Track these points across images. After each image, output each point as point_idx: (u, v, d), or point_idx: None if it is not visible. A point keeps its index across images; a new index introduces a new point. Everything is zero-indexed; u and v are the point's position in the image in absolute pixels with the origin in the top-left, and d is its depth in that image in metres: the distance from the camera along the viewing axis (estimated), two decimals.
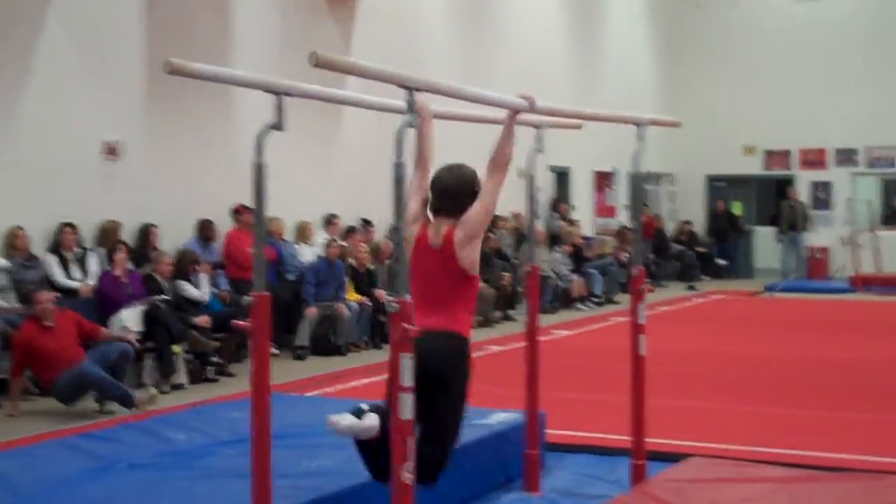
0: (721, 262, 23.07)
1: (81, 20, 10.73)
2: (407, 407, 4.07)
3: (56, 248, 10.30)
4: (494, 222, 16.68)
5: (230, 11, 12.59)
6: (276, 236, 12.43)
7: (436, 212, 4.99)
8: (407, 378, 4.07)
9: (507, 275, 15.80)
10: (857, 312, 17.20)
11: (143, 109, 11.41)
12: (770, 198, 24.28)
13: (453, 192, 4.95)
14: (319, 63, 3.84)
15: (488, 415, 6.63)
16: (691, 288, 20.75)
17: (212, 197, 11.99)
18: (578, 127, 6.61)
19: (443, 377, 4.67)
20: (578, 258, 17.95)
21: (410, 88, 4.26)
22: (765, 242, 23.74)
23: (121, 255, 10.28)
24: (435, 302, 4.81)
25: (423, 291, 4.76)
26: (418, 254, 4.89)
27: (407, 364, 4.08)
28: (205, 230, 11.86)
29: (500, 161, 4.97)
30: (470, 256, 4.87)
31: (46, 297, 8.81)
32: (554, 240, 17.93)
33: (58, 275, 10.16)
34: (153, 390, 9.11)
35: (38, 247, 10.24)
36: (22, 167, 10.11)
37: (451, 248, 4.84)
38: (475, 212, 4.86)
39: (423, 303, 4.72)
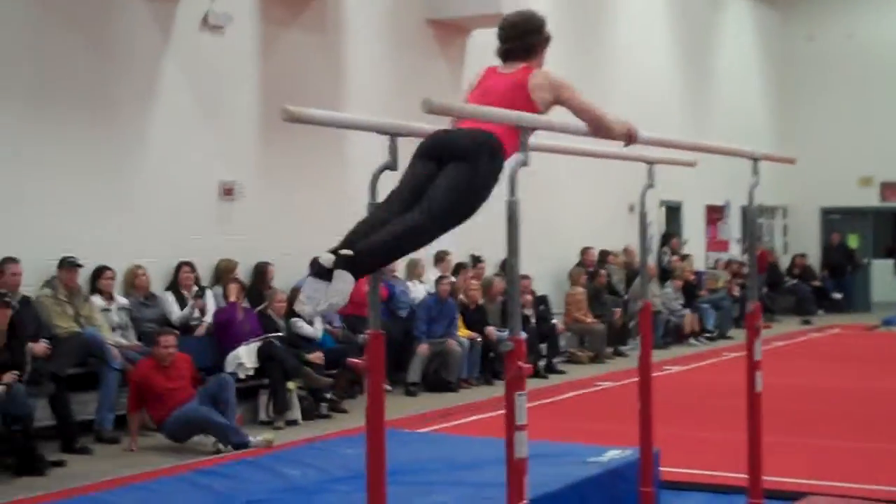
0: (837, 295, 22.60)
1: (198, 63, 11.02)
2: (522, 446, 4.07)
3: (174, 286, 10.53)
4: (604, 257, 16.62)
5: (342, 56, 12.79)
6: (389, 274, 12.53)
7: (504, 56, 4.80)
8: (521, 416, 4.07)
9: (618, 310, 15.71)
10: None
11: (258, 151, 11.64)
12: (887, 230, 23.77)
13: (520, 28, 4.77)
14: (433, 109, 3.85)
15: (602, 452, 6.57)
16: (806, 322, 20.38)
17: (325, 235, 12.06)
18: (693, 164, 6.56)
19: (463, 151, 4.34)
20: (690, 293, 17.75)
21: (524, 128, 4.29)
22: (882, 275, 23.24)
23: (236, 291, 10.47)
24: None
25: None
26: (480, 84, 4.67)
27: (521, 403, 4.08)
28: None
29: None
30: (543, 97, 4.54)
31: (170, 340, 8.99)
32: (665, 274, 17.77)
33: (175, 313, 10.38)
34: (270, 435, 9.02)
35: (157, 285, 10.49)
36: (142, 208, 10.40)
37: (525, 78, 4.58)
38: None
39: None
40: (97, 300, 9.70)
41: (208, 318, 10.49)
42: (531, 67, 4.70)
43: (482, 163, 4.32)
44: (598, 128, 4.66)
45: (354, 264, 4.09)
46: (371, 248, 4.14)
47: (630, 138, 4.80)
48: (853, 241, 24.03)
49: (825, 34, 24.30)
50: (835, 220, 24.47)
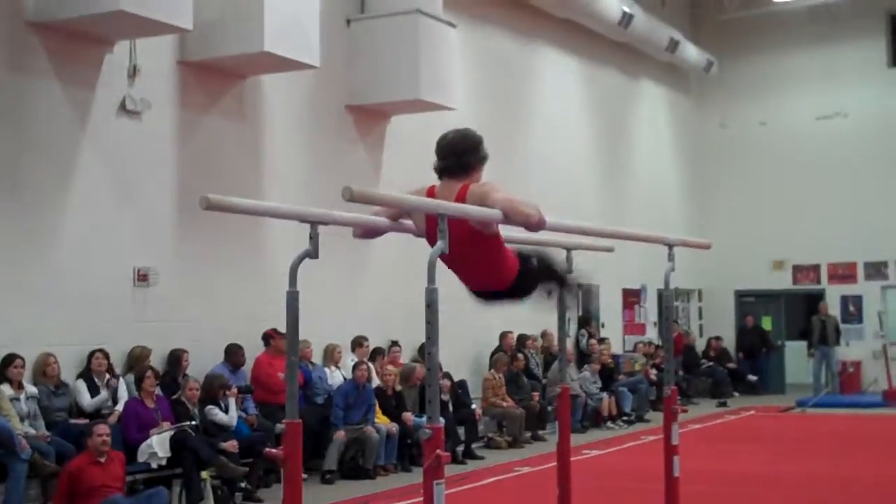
0: (752, 377, 22.83)
1: (116, 148, 10.94)
2: None
3: (86, 374, 10.33)
4: (522, 341, 16.65)
5: (261, 141, 12.79)
6: (305, 359, 12.42)
7: (440, 173, 4.92)
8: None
9: (535, 394, 15.72)
10: (891, 426, 16.96)
11: (174, 236, 11.55)
12: (800, 312, 24.17)
13: (457, 147, 4.88)
14: (354, 198, 3.87)
15: None
16: (723, 405, 20.54)
17: (241, 321, 12.05)
18: (611, 250, 6.64)
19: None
20: (608, 376, 17.84)
21: (443, 215, 4.31)
22: (796, 357, 23.57)
23: (149, 382, 10.30)
24: (471, 272, 4.97)
25: (455, 264, 4.86)
26: (430, 229, 4.85)
27: (440, 492, 4.05)
28: (233, 355, 11.86)
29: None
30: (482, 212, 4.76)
31: (103, 429, 8.79)
32: (583, 358, 17.85)
33: (86, 402, 10.17)
34: None
35: (69, 373, 10.29)
36: (55, 294, 10.23)
37: (466, 223, 4.77)
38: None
39: (462, 270, 4.96)
40: (6, 389, 9.46)
41: (120, 406, 10.29)
42: (466, 187, 4.77)
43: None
44: (511, 212, 4.71)
45: None
46: None
47: (538, 225, 4.85)
48: (767, 324, 24.39)
49: (738, 122, 24.88)
50: (749, 302, 24.83)
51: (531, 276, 5.00)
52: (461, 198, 4.76)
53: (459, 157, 4.88)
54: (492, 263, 4.87)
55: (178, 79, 11.71)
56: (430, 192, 4.88)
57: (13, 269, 9.90)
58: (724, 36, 24.68)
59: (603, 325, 20.00)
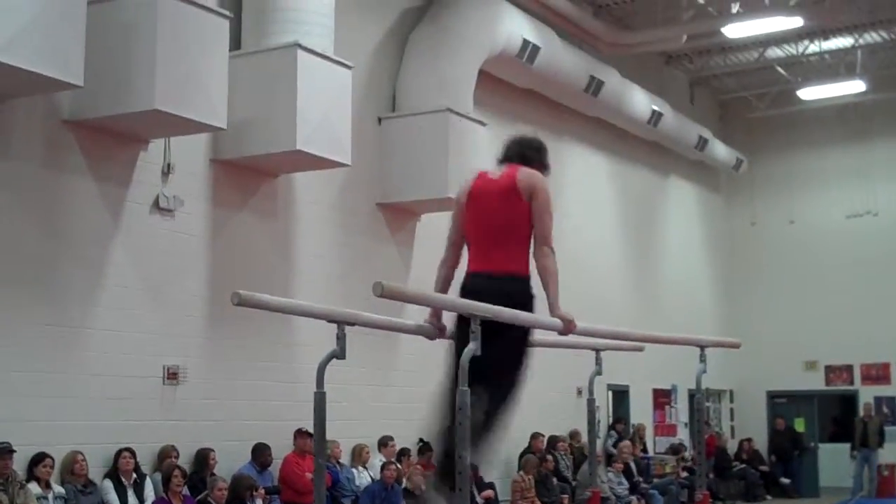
0: (785, 480, 22.46)
1: (147, 246, 10.98)
2: None
3: (114, 473, 10.25)
4: (553, 443, 16.47)
5: (291, 239, 12.84)
6: (333, 460, 12.31)
7: (501, 162, 5.20)
8: None
9: (565, 497, 15.50)
10: None
11: (204, 334, 11.53)
12: (833, 414, 23.83)
13: (520, 141, 5.19)
14: (385, 293, 3.86)
15: None
16: None
17: (269, 420, 11.96)
18: (641, 350, 6.59)
19: (505, 326, 4.71)
20: (635, 476, 17.54)
21: (476, 317, 4.28)
22: (830, 460, 23.18)
23: (176, 481, 10.22)
24: (491, 243, 4.93)
25: (479, 236, 4.79)
26: (473, 200, 5.04)
27: None
28: (260, 454, 11.75)
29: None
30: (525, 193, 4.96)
31: None
32: (612, 460, 17.61)
33: (114, 501, 10.08)
34: None
35: (97, 472, 10.21)
36: (83, 392, 10.18)
37: (513, 182, 4.97)
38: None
39: (479, 245, 4.91)
40: (33, 488, 9.40)
41: None
42: (517, 168, 5.09)
43: (514, 331, 4.83)
44: (552, 306, 4.90)
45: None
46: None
47: (568, 330, 5.00)
48: (800, 425, 24.03)
49: (767, 220, 24.82)
50: (781, 403, 24.51)
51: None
52: (511, 181, 4.99)
53: (522, 148, 5.18)
54: (518, 239, 4.97)
55: (210, 177, 11.80)
56: (478, 179, 5.13)
57: (42, 366, 9.88)
58: (754, 134, 24.74)
59: (633, 427, 19.72)
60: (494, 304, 4.57)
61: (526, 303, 4.88)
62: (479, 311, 4.39)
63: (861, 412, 21.90)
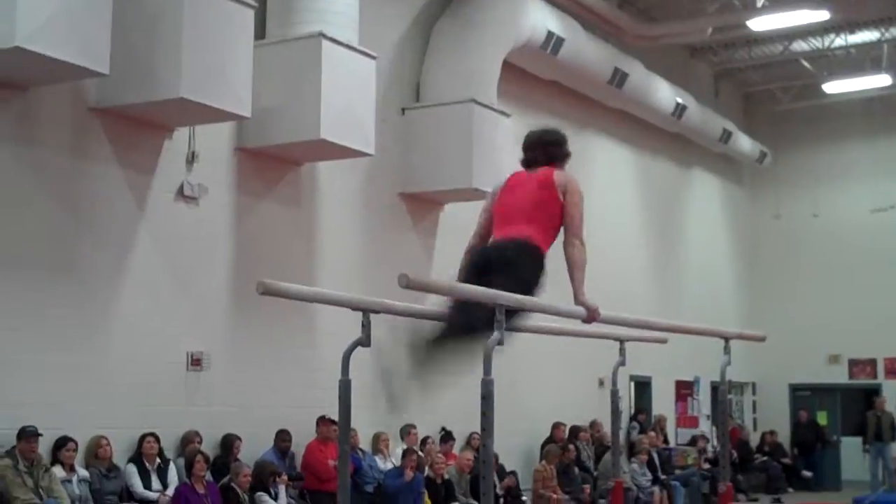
0: (807, 473, 22.37)
1: (172, 233, 11.05)
2: None
3: (137, 458, 10.33)
4: (575, 433, 16.48)
5: (315, 228, 12.87)
6: (354, 447, 12.34)
7: (527, 165, 5.25)
8: None
9: (586, 487, 15.50)
10: None
11: (228, 321, 11.59)
12: (856, 407, 23.73)
13: (541, 139, 5.23)
14: (410, 285, 3.88)
15: None
16: (777, 501, 20.11)
17: (292, 407, 12.01)
18: (664, 341, 6.59)
19: (506, 263, 4.82)
20: (658, 467, 17.52)
21: (500, 307, 4.30)
22: (852, 453, 23.07)
23: (199, 467, 10.28)
24: (517, 216, 5.01)
25: (507, 212, 4.87)
26: (508, 189, 5.13)
27: None
28: (282, 441, 11.81)
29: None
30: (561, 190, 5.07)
31: None
32: (633, 450, 17.58)
33: (137, 485, 10.16)
34: None
35: (121, 456, 10.29)
36: (108, 377, 10.27)
37: (550, 178, 5.06)
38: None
39: (504, 220, 5.00)
40: (58, 471, 9.49)
41: (170, 492, 10.27)
42: (552, 170, 5.18)
43: (523, 272, 4.88)
44: (577, 293, 4.93)
45: None
46: None
47: (591, 319, 5.03)
48: (822, 419, 23.94)
49: (791, 213, 24.71)
50: (804, 396, 24.43)
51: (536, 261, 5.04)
52: (548, 177, 5.08)
53: (546, 148, 5.22)
54: (543, 220, 5.05)
55: (235, 165, 11.85)
56: (514, 175, 5.21)
57: (67, 352, 9.97)
58: (778, 127, 24.65)
59: (656, 420, 19.67)
60: (497, 257, 4.70)
61: (526, 262, 4.91)
62: (502, 301, 4.41)
63: (875, 406, 21.76)
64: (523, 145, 5.31)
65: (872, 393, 22.79)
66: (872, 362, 23.74)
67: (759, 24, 18.50)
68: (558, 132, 5.37)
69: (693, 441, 20.10)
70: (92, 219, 10.32)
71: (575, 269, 5.01)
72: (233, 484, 10.60)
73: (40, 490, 9.10)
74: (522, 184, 5.11)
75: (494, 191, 5.28)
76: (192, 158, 11.24)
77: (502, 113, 14.26)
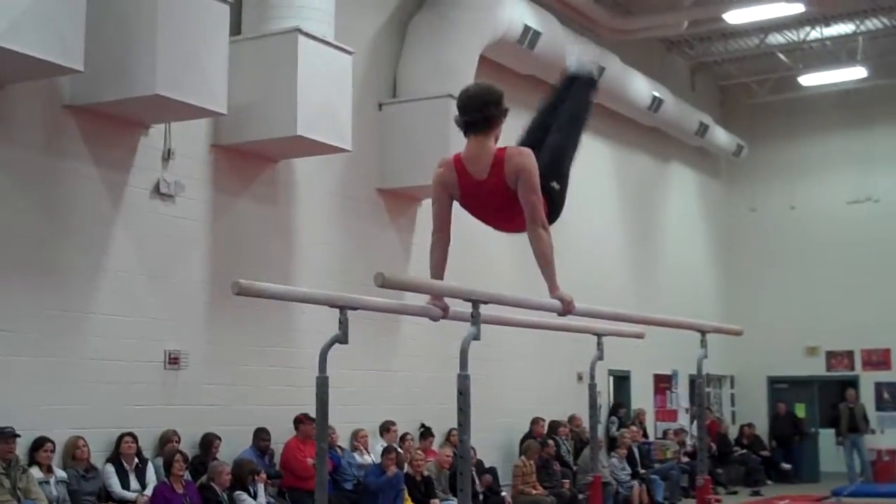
0: (786, 466, 22.48)
1: (148, 231, 10.99)
2: None
3: (115, 458, 10.28)
4: (554, 428, 16.49)
5: (292, 225, 12.83)
6: (332, 445, 12.30)
7: (465, 129, 4.97)
8: None
9: (566, 482, 15.51)
10: None
11: (205, 319, 11.54)
12: (834, 399, 23.83)
13: (480, 100, 4.89)
14: (386, 283, 3.85)
15: None
16: (756, 493, 20.18)
17: (270, 406, 11.98)
18: (641, 336, 6.59)
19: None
20: (637, 462, 17.55)
21: (476, 301, 4.28)
22: (830, 445, 23.17)
23: (178, 466, 10.23)
24: (500, 224, 5.08)
25: (486, 221, 5.03)
26: (467, 199, 4.97)
27: None
28: (261, 439, 11.77)
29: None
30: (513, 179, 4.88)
31: None
32: (613, 444, 17.62)
33: (115, 486, 10.11)
34: None
35: (98, 457, 10.23)
36: (85, 377, 10.20)
37: (502, 182, 4.83)
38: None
39: (490, 218, 5.04)
40: (36, 472, 9.42)
41: (148, 491, 10.21)
42: (502, 153, 4.86)
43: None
44: (551, 288, 4.84)
45: None
46: None
47: (567, 311, 4.92)
48: (800, 411, 24.02)
49: (768, 206, 24.79)
50: (781, 389, 24.51)
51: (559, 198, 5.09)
52: (498, 163, 4.82)
53: (482, 110, 4.90)
54: (519, 214, 4.89)
55: (211, 162, 11.80)
56: (457, 159, 4.97)
57: (43, 351, 9.90)
58: (754, 120, 24.71)
59: (636, 414, 19.69)
60: None
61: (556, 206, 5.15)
62: (476, 297, 4.39)
63: (847, 398, 21.81)
64: (458, 105, 4.98)
65: (850, 385, 22.88)
66: (850, 354, 23.84)
67: (734, 17, 18.56)
68: (493, 89, 5.03)
69: (664, 435, 20.16)
70: (67, 217, 10.25)
71: (544, 262, 4.83)
72: (212, 483, 10.55)
73: (18, 491, 9.03)
74: (477, 195, 4.87)
75: (446, 187, 5.02)
76: (168, 156, 11.19)
77: None
